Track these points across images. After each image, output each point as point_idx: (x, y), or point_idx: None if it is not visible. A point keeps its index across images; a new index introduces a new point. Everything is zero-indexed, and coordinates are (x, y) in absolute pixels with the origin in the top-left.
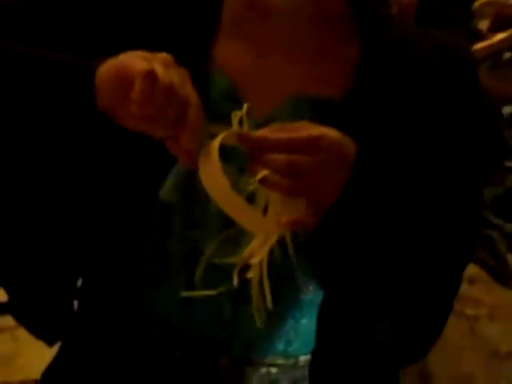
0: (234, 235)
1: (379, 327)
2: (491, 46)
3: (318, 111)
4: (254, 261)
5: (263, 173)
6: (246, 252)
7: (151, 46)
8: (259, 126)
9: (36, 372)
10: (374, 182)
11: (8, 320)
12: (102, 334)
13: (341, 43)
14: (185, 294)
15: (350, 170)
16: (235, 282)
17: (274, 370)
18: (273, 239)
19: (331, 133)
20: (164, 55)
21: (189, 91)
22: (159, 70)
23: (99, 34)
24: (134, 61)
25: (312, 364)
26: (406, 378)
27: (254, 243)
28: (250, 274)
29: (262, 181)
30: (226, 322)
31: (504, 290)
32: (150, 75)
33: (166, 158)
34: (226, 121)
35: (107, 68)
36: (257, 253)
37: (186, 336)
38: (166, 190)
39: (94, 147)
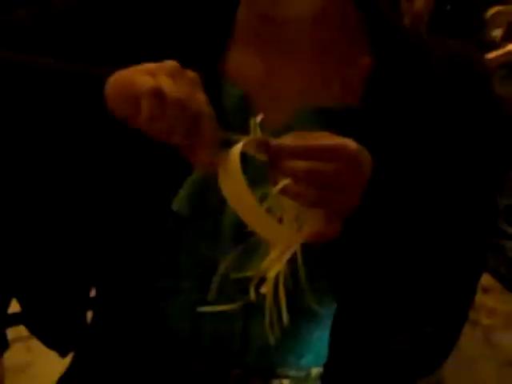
0: (249, 248)
1: (393, 340)
2: (504, 54)
3: (331, 121)
4: (271, 274)
5: (284, 182)
6: (264, 265)
7: (163, 57)
8: (275, 135)
9: (49, 382)
10: (389, 192)
11: (21, 330)
12: (115, 345)
13: (354, 53)
14: (200, 309)
15: (367, 181)
16: (252, 296)
17: (285, 381)
18: (290, 252)
19: (351, 143)
20: (170, 64)
21: (200, 101)
22: (166, 84)
23: (111, 43)
24: (140, 78)
25: (324, 376)
26: None
27: (271, 256)
28: (264, 289)
29: (283, 190)
30: (238, 334)
31: None
32: (157, 94)
33: (180, 168)
34: (239, 130)
35: (114, 83)
36: (274, 266)
37: (198, 348)
38: (180, 201)
39: (106, 157)
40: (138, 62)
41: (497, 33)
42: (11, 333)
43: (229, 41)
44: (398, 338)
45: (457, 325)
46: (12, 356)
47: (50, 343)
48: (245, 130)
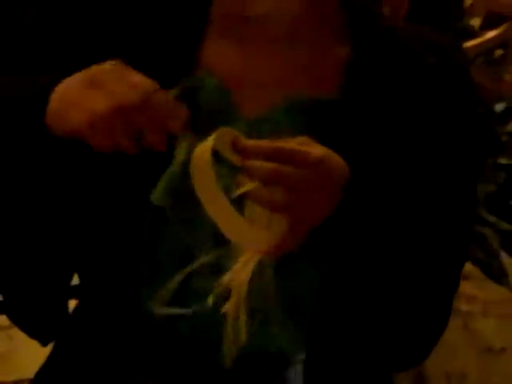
0: (228, 252)
1: (376, 332)
2: (483, 43)
3: (310, 111)
4: (234, 286)
5: (249, 185)
6: (227, 276)
7: (138, 52)
8: (251, 126)
9: (31, 371)
10: (369, 183)
11: (3, 319)
12: (96, 333)
13: (332, 43)
14: (158, 311)
15: (341, 192)
16: (209, 303)
17: (265, 369)
18: (253, 262)
19: (318, 150)
20: (110, 66)
21: (136, 87)
22: (119, 94)
23: (83, 36)
24: (90, 98)
25: (306, 363)
26: (399, 375)
27: (237, 266)
28: (226, 307)
29: (248, 194)
30: (214, 323)
31: (497, 285)
32: (115, 113)
33: (158, 159)
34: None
35: (60, 104)
36: (237, 277)
37: (177, 335)
38: (158, 193)
39: (83, 153)
40: (116, 55)
41: (475, 22)
42: None
43: (205, 33)
44: (380, 330)
45: (442, 316)
46: None
47: (31, 332)
48: (220, 122)
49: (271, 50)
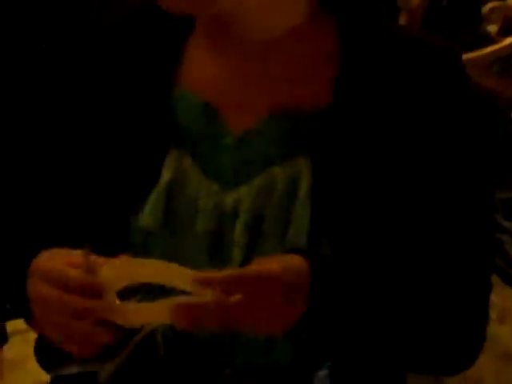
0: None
1: (411, 343)
2: (500, 49)
3: (300, 124)
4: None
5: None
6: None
7: (116, 75)
8: (240, 143)
9: (47, 376)
10: (371, 193)
11: (19, 323)
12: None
13: (323, 54)
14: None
15: (304, 300)
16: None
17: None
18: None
19: (273, 269)
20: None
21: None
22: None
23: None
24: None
25: (332, 366)
26: (417, 378)
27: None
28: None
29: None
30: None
31: None
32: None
33: (143, 181)
34: (203, 139)
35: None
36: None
37: (186, 345)
38: (147, 216)
39: (68, 175)
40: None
41: (493, 28)
42: (9, 326)
43: (185, 47)
44: (415, 338)
45: (478, 322)
46: (10, 349)
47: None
48: (208, 138)
49: (257, 63)
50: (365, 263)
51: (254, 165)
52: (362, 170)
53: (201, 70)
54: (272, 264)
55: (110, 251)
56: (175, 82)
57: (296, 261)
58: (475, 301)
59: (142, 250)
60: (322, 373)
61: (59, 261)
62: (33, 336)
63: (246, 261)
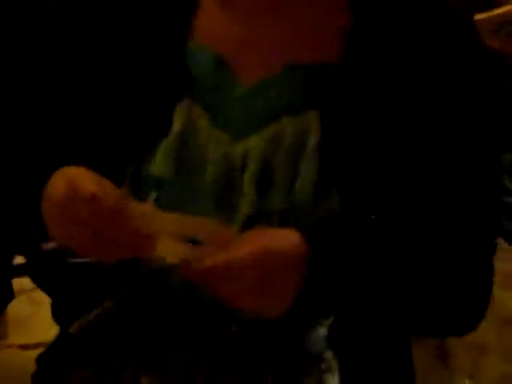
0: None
1: (415, 303)
2: (508, 12)
3: (310, 76)
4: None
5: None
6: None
7: (131, 26)
8: (251, 94)
9: (52, 335)
10: (375, 149)
11: (25, 282)
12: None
13: (333, 9)
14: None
15: (301, 271)
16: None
17: (284, 334)
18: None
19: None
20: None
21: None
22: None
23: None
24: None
25: (332, 326)
26: (421, 346)
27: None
28: None
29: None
30: None
31: None
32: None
33: (154, 130)
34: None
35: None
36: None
37: (196, 303)
38: (158, 163)
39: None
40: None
41: None
42: (15, 285)
43: (198, 2)
44: (419, 298)
45: (483, 283)
46: (15, 308)
47: (53, 294)
48: (219, 89)
49: (269, 15)
50: (371, 217)
51: (264, 116)
52: (370, 124)
53: (214, 23)
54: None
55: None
56: (189, 34)
57: (293, 238)
58: (479, 262)
59: (155, 199)
60: (319, 331)
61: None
62: (37, 294)
63: (253, 212)
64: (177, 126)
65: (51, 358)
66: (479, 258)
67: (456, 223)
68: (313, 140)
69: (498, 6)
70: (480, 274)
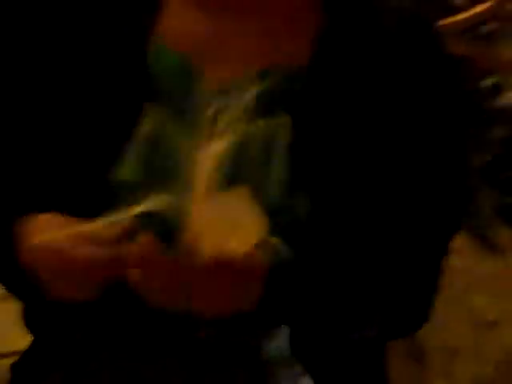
0: None
1: (367, 315)
2: (471, 17)
3: (280, 80)
4: None
5: None
6: None
7: (89, 25)
8: (215, 97)
9: (26, 343)
10: (346, 153)
11: None
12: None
13: (305, 12)
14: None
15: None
16: None
17: (256, 339)
18: None
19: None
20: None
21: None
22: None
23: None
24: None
25: (292, 332)
26: (394, 348)
27: None
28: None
29: None
30: None
31: (490, 259)
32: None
33: (120, 134)
34: (177, 94)
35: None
36: None
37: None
38: (125, 168)
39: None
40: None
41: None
42: None
43: (163, 1)
44: (368, 310)
45: (429, 285)
46: None
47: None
48: (184, 92)
49: (238, 16)
50: (340, 217)
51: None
52: (341, 126)
53: (179, 24)
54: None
55: (93, 207)
56: (152, 35)
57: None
58: (429, 266)
59: (124, 204)
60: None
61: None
62: (12, 304)
63: None
64: (144, 129)
65: (26, 365)
66: (429, 261)
67: (414, 223)
68: (282, 141)
69: (462, 11)
70: (426, 276)
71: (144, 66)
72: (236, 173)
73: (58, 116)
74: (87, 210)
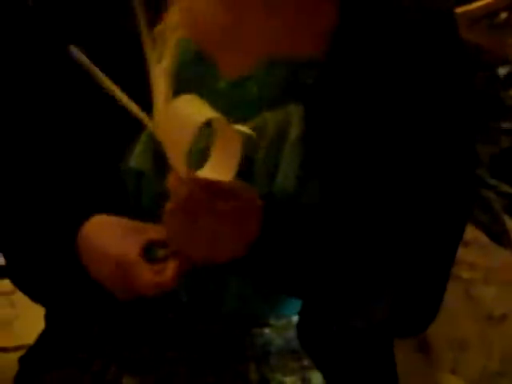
0: None
1: (373, 304)
2: (487, 5)
3: (293, 72)
4: None
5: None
6: None
7: (104, 15)
8: (233, 88)
9: (33, 337)
10: (359, 145)
11: (5, 284)
12: (94, 297)
13: (320, 4)
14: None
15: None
16: None
17: (266, 330)
18: None
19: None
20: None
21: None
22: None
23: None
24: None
25: (300, 325)
26: (401, 343)
27: None
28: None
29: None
30: (214, 280)
31: (498, 252)
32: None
33: (132, 124)
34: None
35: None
36: None
37: (175, 299)
38: (137, 157)
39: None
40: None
41: None
42: None
43: None
44: (378, 302)
45: (440, 283)
46: None
47: (34, 296)
48: (201, 82)
49: (257, 10)
50: (350, 207)
51: (246, 110)
52: (353, 118)
53: (195, 15)
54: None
55: (105, 195)
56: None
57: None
58: (439, 259)
59: (134, 193)
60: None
61: None
62: (18, 297)
63: None
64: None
65: (33, 359)
66: (439, 253)
67: (425, 214)
68: (294, 132)
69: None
70: (435, 273)
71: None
72: (247, 164)
73: (78, 107)
74: (99, 196)
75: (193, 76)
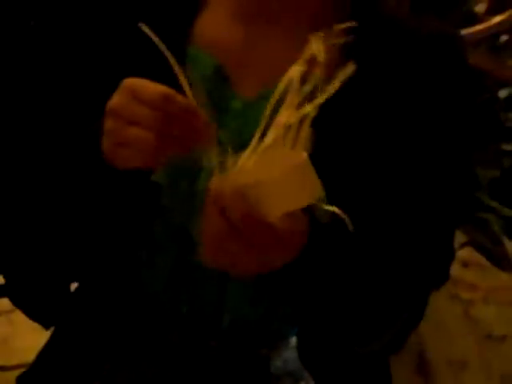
0: None
1: (365, 315)
2: (488, 28)
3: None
4: None
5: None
6: None
7: (131, 27)
8: (248, 107)
9: (32, 356)
10: (364, 164)
11: (4, 303)
12: (95, 316)
13: (331, 20)
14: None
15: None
16: None
17: (264, 351)
18: None
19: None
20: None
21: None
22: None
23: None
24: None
25: (299, 346)
26: (401, 361)
27: None
28: None
29: None
30: (214, 301)
31: (498, 273)
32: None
33: None
34: (210, 99)
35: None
36: None
37: (176, 316)
38: (159, 172)
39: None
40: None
41: (481, 7)
42: None
43: (201, 6)
44: (370, 314)
45: (427, 285)
46: None
47: (33, 315)
48: (217, 99)
49: (275, 29)
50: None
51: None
52: (362, 138)
53: (217, 28)
54: None
55: (125, 205)
56: (190, 40)
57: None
58: (434, 276)
59: (151, 204)
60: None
61: None
62: (16, 316)
63: None
64: None
65: (31, 378)
66: (434, 270)
67: (423, 228)
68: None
69: (478, 22)
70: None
71: (182, 66)
72: None
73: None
74: (117, 212)
75: (209, 92)
